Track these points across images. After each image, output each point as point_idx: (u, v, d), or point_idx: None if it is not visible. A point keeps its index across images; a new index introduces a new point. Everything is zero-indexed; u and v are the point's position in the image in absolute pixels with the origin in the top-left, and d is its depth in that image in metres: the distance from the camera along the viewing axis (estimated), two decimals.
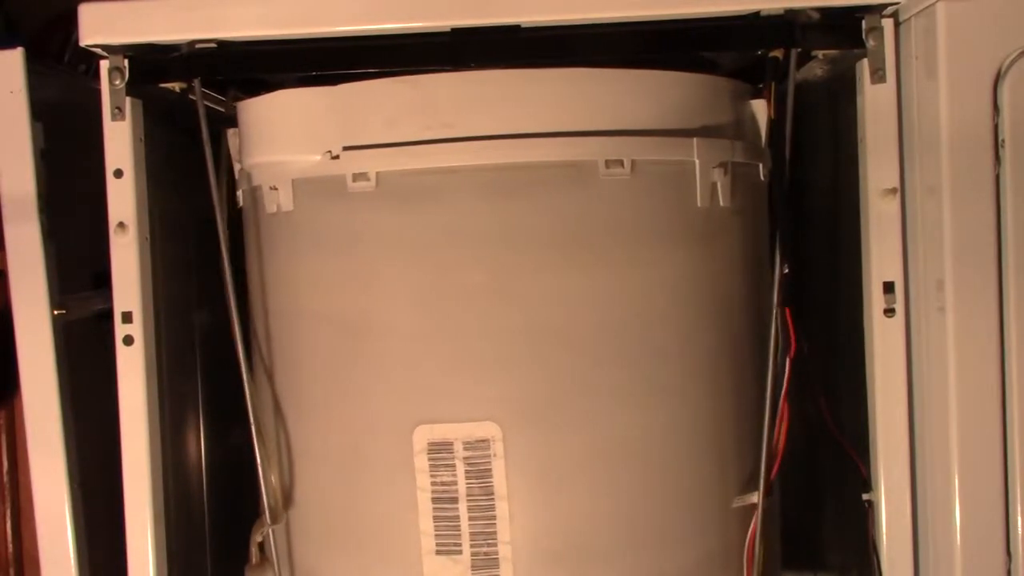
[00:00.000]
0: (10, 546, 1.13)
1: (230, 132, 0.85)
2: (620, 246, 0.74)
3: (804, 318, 0.78)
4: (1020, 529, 0.73)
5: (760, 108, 0.82)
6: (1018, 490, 0.73)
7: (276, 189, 0.78)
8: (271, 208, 0.79)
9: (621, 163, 0.73)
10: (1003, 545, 0.73)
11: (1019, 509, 0.73)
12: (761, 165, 0.82)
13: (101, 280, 0.81)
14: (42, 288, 0.79)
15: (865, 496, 0.78)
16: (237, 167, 0.85)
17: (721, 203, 0.77)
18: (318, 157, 0.76)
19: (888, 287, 0.77)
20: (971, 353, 0.73)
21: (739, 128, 0.81)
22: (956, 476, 0.73)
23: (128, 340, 0.79)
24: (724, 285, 0.78)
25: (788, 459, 0.78)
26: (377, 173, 0.73)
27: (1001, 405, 0.73)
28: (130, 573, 0.80)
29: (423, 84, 0.74)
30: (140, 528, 0.80)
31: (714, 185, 0.76)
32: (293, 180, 0.77)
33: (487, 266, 0.73)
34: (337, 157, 0.75)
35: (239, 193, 0.84)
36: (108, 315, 0.80)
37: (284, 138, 0.78)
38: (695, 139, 0.75)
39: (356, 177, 0.74)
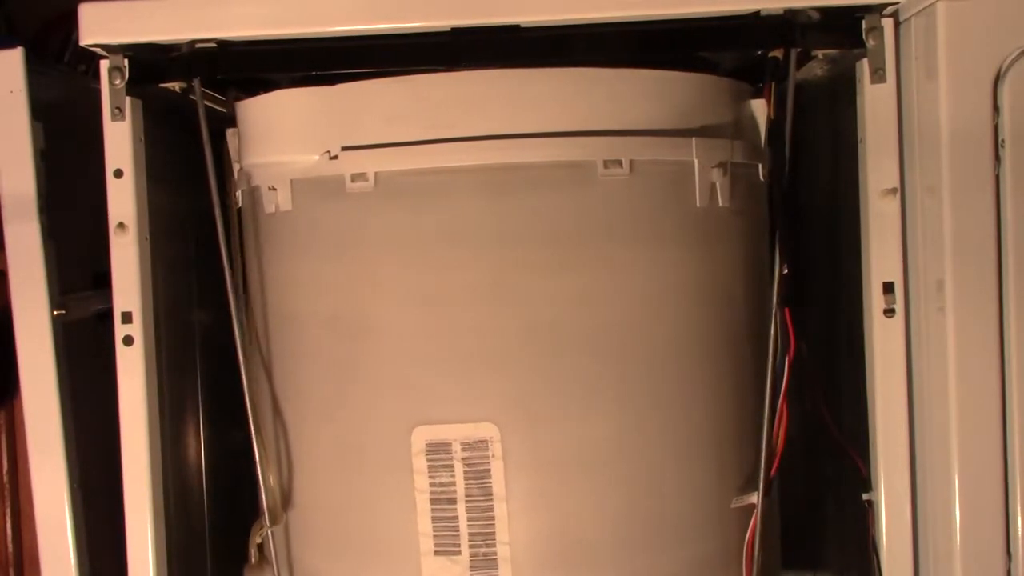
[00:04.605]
0: (10, 546, 1.13)
1: (229, 132, 0.85)
2: (619, 246, 0.74)
3: (804, 318, 0.78)
4: (1020, 529, 0.73)
5: (759, 108, 0.82)
6: (1018, 490, 0.73)
7: (275, 189, 0.78)
8: (270, 208, 0.79)
9: (620, 163, 0.73)
10: (1003, 545, 0.73)
11: (1019, 509, 0.73)
12: (760, 165, 0.82)
13: (101, 280, 0.81)
14: (42, 288, 0.79)
15: (865, 496, 0.78)
16: (236, 167, 0.85)
17: (720, 203, 0.77)
18: (316, 157, 0.76)
19: (888, 287, 0.77)
20: (971, 353, 0.73)
21: (738, 128, 0.81)
22: (956, 476, 0.73)
23: (128, 340, 0.79)
24: (723, 285, 0.78)
25: (788, 459, 0.78)
26: (376, 173, 0.73)
27: (1001, 405, 0.73)
28: (130, 573, 0.80)
29: (421, 84, 0.74)
30: (140, 528, 0.80)
31: (713, 185, 0.76)
32: (292, 180, 0.77)
33: (486, 266, 0.73)
34: (336, 157, 0.75)
35: (238, 193, 0.84)
36: (108, 315, 0.80)
37: (283, 138, 0.78)
38: (694, 139, 0.75)
39: (355, 177, 0.74)
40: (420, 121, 0.73)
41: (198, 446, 0.96)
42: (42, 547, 0.81)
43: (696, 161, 0.75)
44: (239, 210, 0.85)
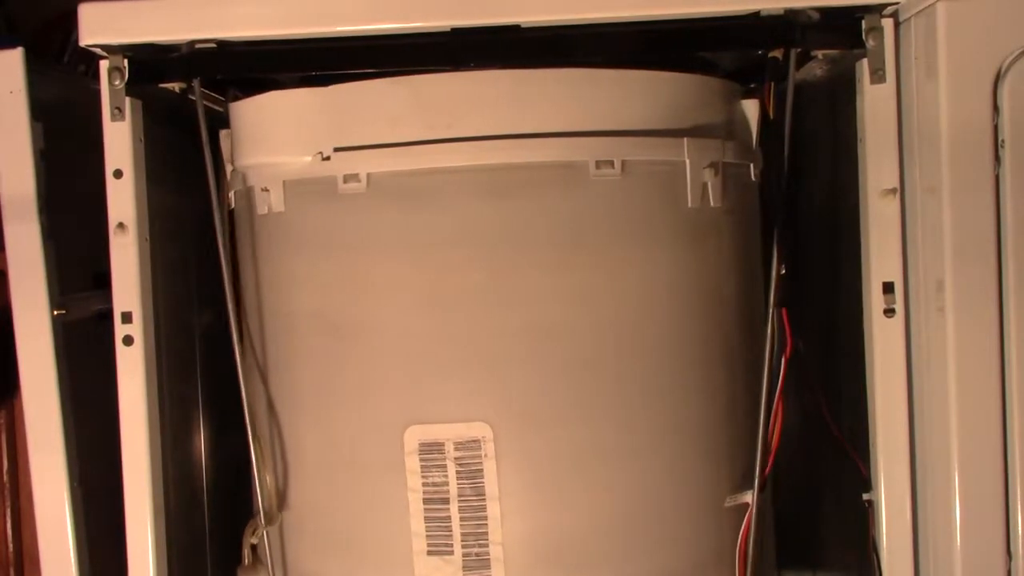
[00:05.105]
0: (10, 546, 1.13)
1: (223, 133, 0.85)
2: (612, 246, 0.74)
3: (804, 318, 0.78)
4: (1020, 529, 0.73)
5: (751, 108, 0.82)
6: (1018, 490, 0.73)
7: (267, 190, 0.78)
8: (263, 209, 0.79)
9: (611, 163, 0.73)
10: (1003, 545, 0.73)
11: (1019, 509, 0.73)
12: (752, 165, 0.82)
13: (101, 280, 0.81)
14: (42, 288, 0.79)
15: (865, 496, 0.78)
16: (229, 168, 0.85)
17: (712, 203, 0.77)
18: (309, 158, 0.76)
19: (888, 287, 0.77)
20: (971, 353, 0.73)
21: (730, 128, 0.81)
22: (956, 476, 0.73)
23: (128, 340, 0.79)
24: (716, 285, 0.78)
25: (788, 459, 0.78)
26: (368, 174, 0.73)
27: (1001, 405, 0.73)
28: (130, 573, 0.80)
29: (414, 84, 0.74)
30: (140, 528, 0.80)
31: (705, 185, 0.76)
32: (284, 181, 0.77)
33: (478, 267, 0.73)
34: (328, 158, 0.75)
35: (231, 194, 0.84)
36: (108, 315, 0.80)
37: (275, 139, 0.78)
38: (685, 139, 0.75)
39: (347, 178, 0.74)
40: (412, 122, 0.73)
41: (198, 446, 0.96)
42: (42, 547, 0.81)
43: (688, 161, 0.75)
44: (233, 211, 0.85)
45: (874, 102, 0.77)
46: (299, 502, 0.80)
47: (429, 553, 0.74)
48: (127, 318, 0.79)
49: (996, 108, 0.72)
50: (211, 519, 0.96)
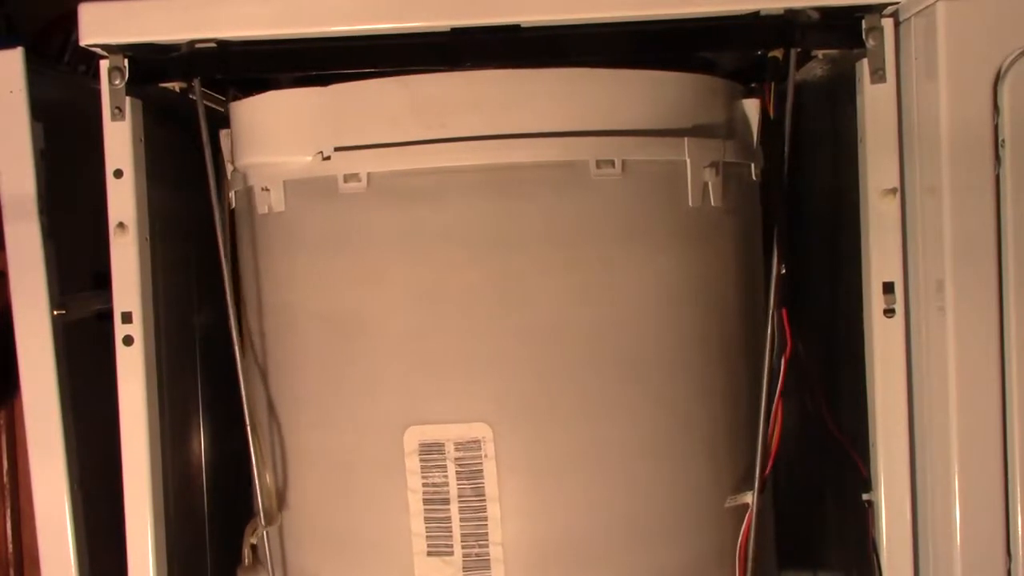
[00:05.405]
0: (10, 546, 1.13)
1: (223, 133, 0.85)
2: (612, 246, 0.74)
3: (804, 319, 0.78)
4: (1020, 529, 0.73)
5: (752, 108, 0.82)
6: (1018, 490, 0.73)
7: (268, 190, 0.78)
8: (263, 209, 0.79)
9: (612, 163, 0.73)
10: (1003, 545, 0.73)
11: (1019, 509, 0.73)
12: (752, 165, 0.82)
13: (101, 280, 0.81)
14: (42, 288, 0.79)
15: (865, 496, 0.78)
16: (230, 168, 0.85)
17: (712, 203, 0.77)
18: (309, 158, 0.76)
19: (888, 287, 0.77)
20: (971, 353, 0.73)
21: (730, 128, 0.80)
22: (956, 476, 0.73)
23: (128, 340, 0.79)
24: (716, 285, 0.78)
25: (789, 459, 0.78)
26: (368, 174, 0.73)
27: (1001, 405, 0.73)
28: (130, 573, 0.80)
29: (414, 84, 0.74)
30: (140, 528, 0.80)
31: (705, 185, 0.76)
32: (284, 181, 0.77)
33: (478, 266, 0.73)
34: (328, 158, 0.75)
35: (232, 194, 0.84)
36: (108, 315, 0.80)
37: (275, 139, 0.78)
38: (686, 139, 0.75)
39: (347, 178, 0.74)
40: (413, 121, 0.73)
41: (198, 446, 0.96)
42: (42, 547, 0.81)
43: (688, 161, 0.75)
44: (233, 211, 0.85)
45: (874, 102, 0.77)
46: (299, 502, 0.80)
47: (429, 554, 0.73)
48: (127, 318, 0.79)
49: (996, 108, 0.72)
50: (211, 519, 0.96)
